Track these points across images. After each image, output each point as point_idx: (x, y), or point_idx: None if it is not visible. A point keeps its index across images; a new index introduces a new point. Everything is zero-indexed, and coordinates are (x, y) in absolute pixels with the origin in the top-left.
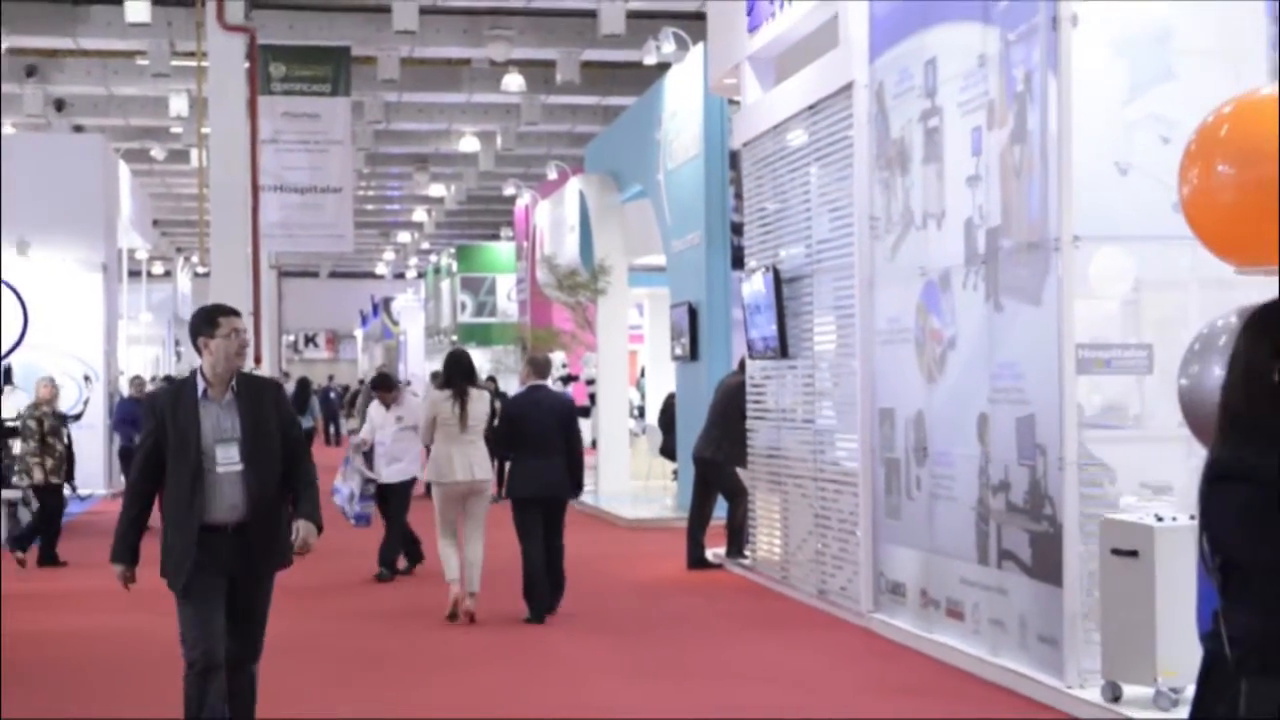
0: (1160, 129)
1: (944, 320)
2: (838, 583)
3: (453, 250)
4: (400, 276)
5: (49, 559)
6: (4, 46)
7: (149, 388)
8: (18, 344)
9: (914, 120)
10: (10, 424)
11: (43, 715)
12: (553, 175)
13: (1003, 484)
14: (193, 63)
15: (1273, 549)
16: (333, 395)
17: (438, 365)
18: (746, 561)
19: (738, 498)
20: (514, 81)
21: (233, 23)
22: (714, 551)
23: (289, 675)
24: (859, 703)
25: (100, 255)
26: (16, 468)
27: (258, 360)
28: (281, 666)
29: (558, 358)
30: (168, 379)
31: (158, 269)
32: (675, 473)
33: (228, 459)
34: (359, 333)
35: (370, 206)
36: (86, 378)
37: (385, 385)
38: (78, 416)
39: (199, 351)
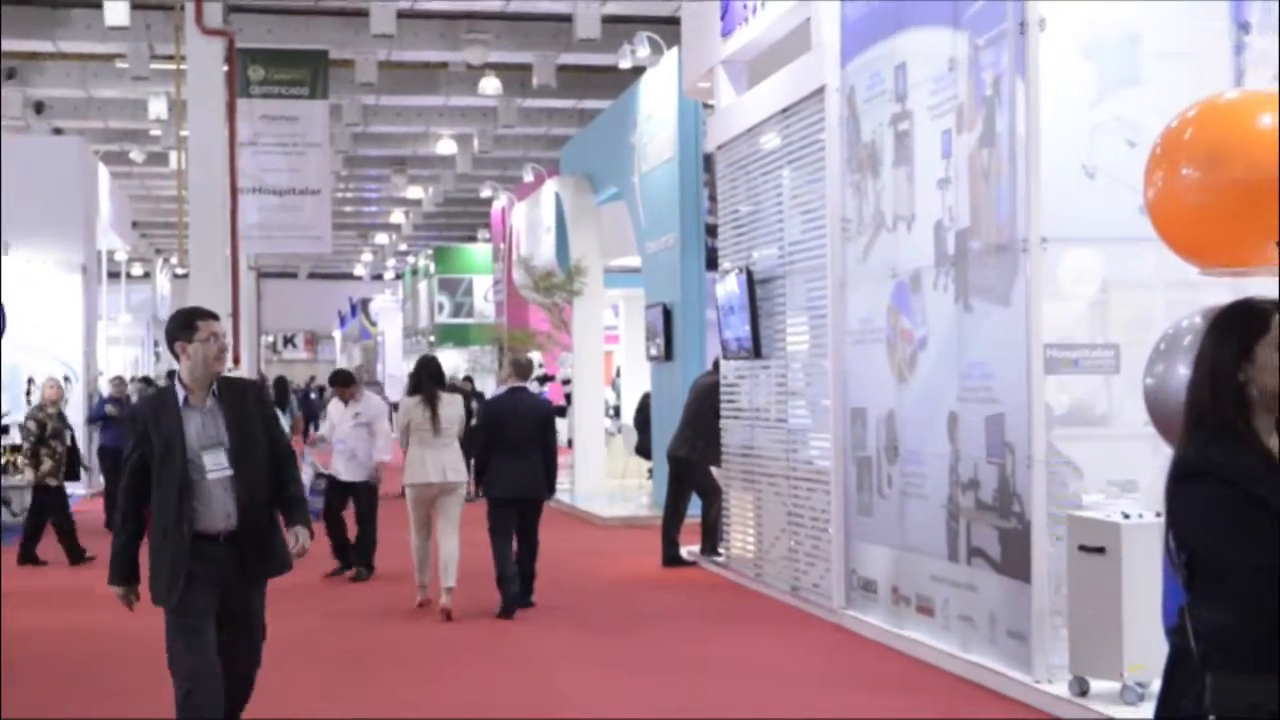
0: (1126, 132)
1: (914, 321)
2: (810, 580)
3: (430, 252)
4: (378, 278)
5: (28, 558)
6: None
7: (130, 389)
8: None
9: (885, 124)
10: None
11: (42, 715)
12: (529, 178)
13: (972, 482)
14: (171, 66)
15: (1238, 546)
16: (312, 395)
17: None
18: (720, 559)
19: (712, 496)
20: (490, 85)
21: (211, 26)
22: (688, 549)
23: (264, 674)
24: (831, 697)
25: (79, 257)
26: (3, 461)
27: (236, 361)
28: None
29: (534, 358)
30: (145, 380)
31: (137, 270)
32: (650, 471)
33: (216, 465)
34: (337, 333)
35: (348, 208)
36: (66, 378)
37: (342, 381)
38: None
39: (176, 357)
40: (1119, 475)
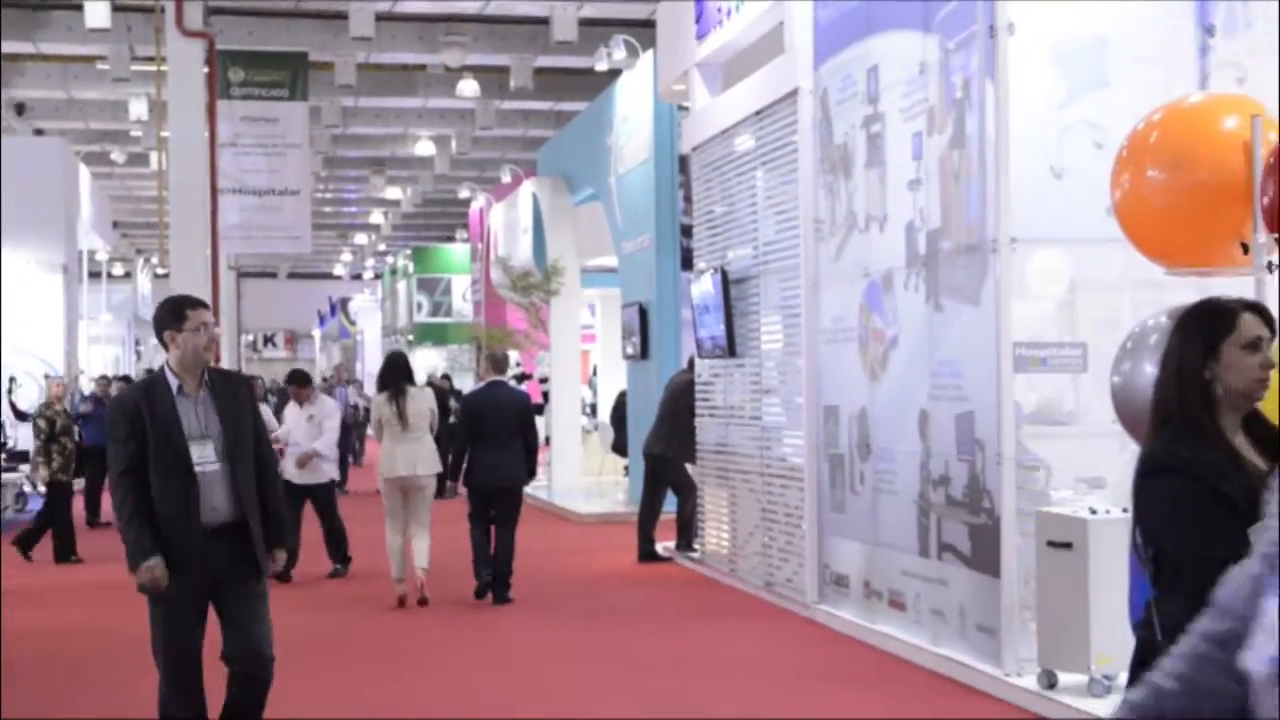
0: (1094, 135)
1: (886, 320)
2: (784, 575)
3: (409, 252)
4: (358, 277)
5: (26, 549)
6: None
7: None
8: None
9: (857, 126)
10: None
11: (41, 715)
12: (506, 179)
13: (943, 479)
14: (152, 67)
15: (1203, 540)
16: (271, 398)
17: None
18: (695, 554)
19: (687, 493)
20: (468, 87)
21: (192, 28)
22: (664, 545)
23: None
24: (804, 690)
25: (60, 256)
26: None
27: (217, 359)
28: None
29: (511, 356)
30: (126, 379)
31: (118, 270)
32: (626, 468)
33: (204, 458)
34: (317, 332)
35: (328, 209)
36: (47, 376)
37: (297, 381)
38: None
39: (165, 346)
40: (1087, 472)
